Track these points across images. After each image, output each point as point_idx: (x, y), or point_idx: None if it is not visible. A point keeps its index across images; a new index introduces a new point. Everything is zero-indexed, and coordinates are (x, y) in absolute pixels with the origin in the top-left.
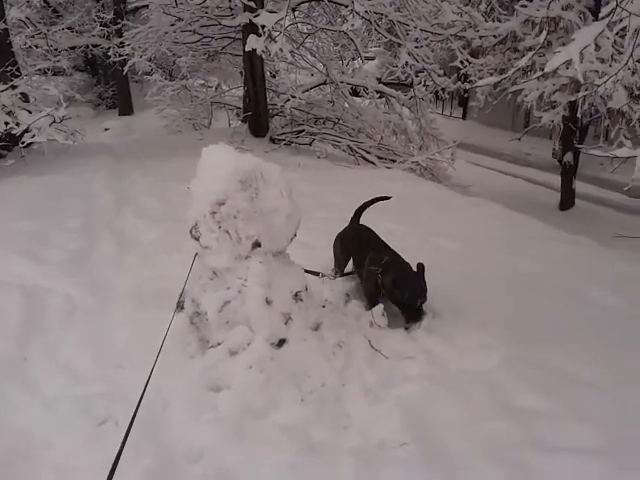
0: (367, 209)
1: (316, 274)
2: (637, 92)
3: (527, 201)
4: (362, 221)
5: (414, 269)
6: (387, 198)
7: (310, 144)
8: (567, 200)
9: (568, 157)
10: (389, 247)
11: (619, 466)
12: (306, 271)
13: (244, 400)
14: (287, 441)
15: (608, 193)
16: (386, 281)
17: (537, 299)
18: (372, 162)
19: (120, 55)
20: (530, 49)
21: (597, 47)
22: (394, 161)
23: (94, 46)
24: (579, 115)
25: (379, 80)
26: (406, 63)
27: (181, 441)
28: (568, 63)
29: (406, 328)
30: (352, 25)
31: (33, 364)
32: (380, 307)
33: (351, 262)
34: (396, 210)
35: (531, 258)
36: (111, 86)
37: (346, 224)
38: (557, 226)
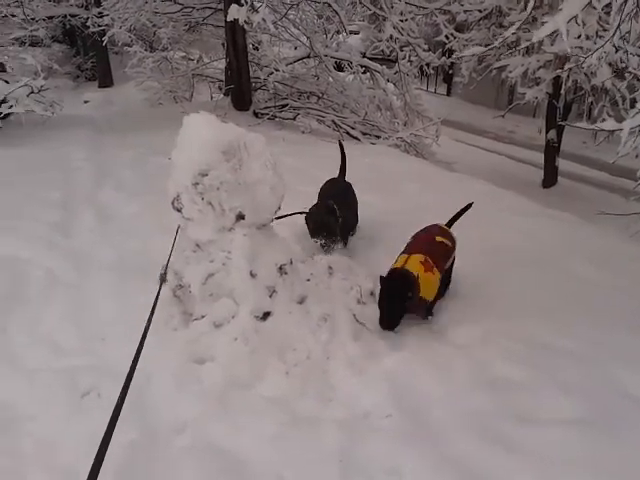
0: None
1: (300, 213)
2: (621, 69)
3: (510, 178)
4: None
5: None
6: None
7: (294, 119)
8: (550, 177)
9: (551, 134)
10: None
11: (598, 436)
12: (290, 214)
13: (229, 372)
14: (272, 412)
15: (590, 171)
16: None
17: (520, 273)
18: (356, 138)
19: (99, 25)
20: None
21: (583, 24)
22: (378, 137)
23: (72, 16)
24: (563, 92)
25: (363, 54)
26: (391, 37)
27: (166, 413)
28: (553, 37)
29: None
30: None
31: (13, 336)
32: (368, 284)
33: None
34: (378, 184)
35: (515, 233)
36: (90, 57)
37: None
38: (540, 203)
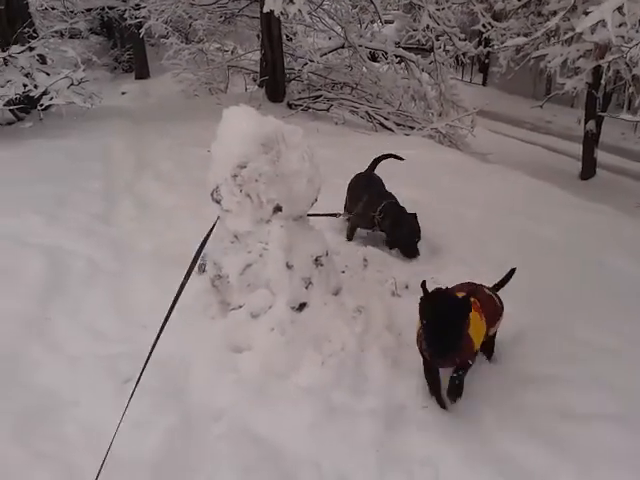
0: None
1: (333, 215)
2: None
3: (547, 169)
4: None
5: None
6: (401, 159)
7: (327, 110)
8: (588, 169)
9: (590, 125)
10: (388, 193)
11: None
12: (323, 214)
13: (265, 361)
14: (308, 402)
15: (629, 163)
16: (386, 222)
17: (558, 268)
18: (390, 129)
19: (136, 18)
20: (555, 13)
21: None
22: (413, 128)
23: (110, 8)
24: (603, 82)
25: (398, 44)
26: (427, 26)
27: (204, 400)
28: (595, 27)
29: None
30: None
31: (56, 324)
32: (403, 277)
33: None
34: (415, 177)
35: (551, 225)
36: (127, 49)
37: None
38: (578, 195)
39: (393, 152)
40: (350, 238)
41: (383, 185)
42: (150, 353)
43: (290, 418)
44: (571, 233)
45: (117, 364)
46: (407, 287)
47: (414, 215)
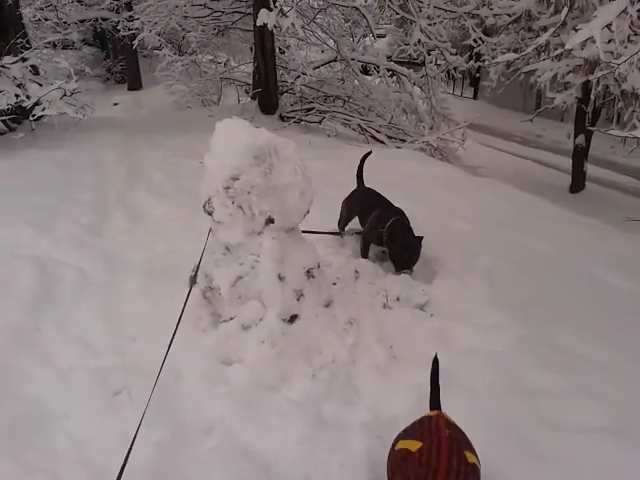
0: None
1: (337, 234)
2: None
3: (537, 183)
4: None
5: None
6: (369, 154)
7: (320, 122)
8: (578, 183)
9: (580, 139)
10: (394, 206)
11: (628, 446)
12: (327, 232)
13: (256, 374)
14: (299, 415)
15: (618, 176)
16: (389, 242)
17: (547, 279)
18: (382, 141)
19: (129, 29)
20: (545, 28)
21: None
22: (404, 141)
23: (103, 19)
24: (592, 97)
25: (390, 58)
26: (418, 41)
27: (194, 413)
28: (584, 43)
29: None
30: (365, 1)
31: (46, 335)
32: (395, 289)
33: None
34: (406, 189)
35: (542, 239)
36: (120, 60)
37: None
38: (568, 208)
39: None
40: (365, 255)
41: (385, 198)
42: (160, 371)
43: (280, 431)
44: (561, 246)
45: (107, 376)
46: (398, 299)
47: (419, 239)
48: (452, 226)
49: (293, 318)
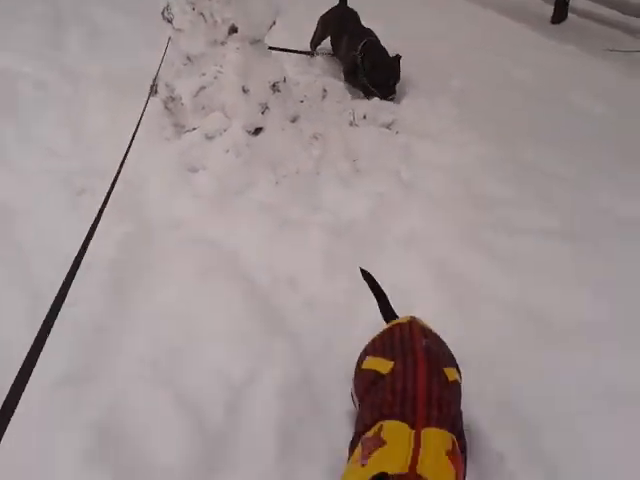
0: None
1: (307, 53)
2: None
3: (518, 10)
4: None
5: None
6: None
7: None
8: (560, 13)
9: None
10: (369, 31)
11: (582, 247)
12: (297, 51)
13: (221, 181)
14: (263, 216)
15: (601, 8)
16: (366, 63)
17: (523, 104)
18: None
19: None
20: None
21: None
22: None
23: None
24: None
25: None
26: None
27: (160, 212)
28: None
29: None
30: None
31: (7, 141)
32: (362, 108)
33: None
34: (382, 13)
35: (521, 65)
36: None
37: None
38: (549, 38)
39: None
40: (348, 80)
41: (359, 20)
42: (120, 168)
43: (246, 228)
44: (541, 73)
45: (71, 178)
46: (365, 117)
47: (397, 58)
48: (427, 48)
49: (258, 130)
